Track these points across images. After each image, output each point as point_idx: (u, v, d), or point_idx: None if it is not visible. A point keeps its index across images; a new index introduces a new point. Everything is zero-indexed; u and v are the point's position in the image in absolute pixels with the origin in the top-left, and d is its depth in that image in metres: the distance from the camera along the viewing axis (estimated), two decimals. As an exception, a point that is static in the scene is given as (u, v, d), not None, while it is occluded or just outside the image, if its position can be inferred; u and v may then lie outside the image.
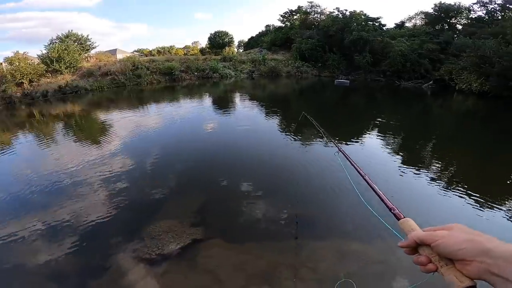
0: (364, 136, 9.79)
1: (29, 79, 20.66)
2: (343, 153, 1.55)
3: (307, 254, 4.02)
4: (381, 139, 9.33)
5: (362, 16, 28.64)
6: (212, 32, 42.26)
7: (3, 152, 9.99)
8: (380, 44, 25.46)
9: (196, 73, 27.02)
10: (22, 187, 6.58)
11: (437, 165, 7.28)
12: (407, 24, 31.24)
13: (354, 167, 1.19)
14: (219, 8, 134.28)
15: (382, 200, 0.82)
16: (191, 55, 41.88)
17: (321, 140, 8.85)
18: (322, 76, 27.84)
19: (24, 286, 3.77)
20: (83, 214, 5.19)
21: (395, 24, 32.06)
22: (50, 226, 4.85)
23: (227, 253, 4.12)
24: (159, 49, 50.03)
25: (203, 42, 52.27)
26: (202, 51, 46.60)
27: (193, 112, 14.41)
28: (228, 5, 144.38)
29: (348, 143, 8.75)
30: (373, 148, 8.54)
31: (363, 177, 1.04)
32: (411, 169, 6.76)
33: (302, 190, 5.91)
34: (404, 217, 0.68)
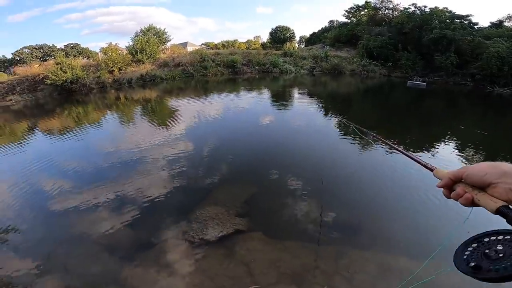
0: (436, 147, 8.54)
1: (119, 67, 24.24)
2: (376, 137, 1.66)
3: (345, 263, 3.77)
4: (460, 153, 7.97)
5: (446, 13, 24.76)
6: (274, 27, 42.36)
7: (93, 127, 12.07)
8: (470, 44, 21.78)
9: (257, 67, 27.64)
10: (100, 159, 7.74)
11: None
12: (507, 24, 25.79)
13: (387, 142, 1.28)
14: (279, 2, 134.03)
15: (415, 160, 0.89)
16: (252, 49, 42.85)
17: (376, 146, 8.17)
18: (392, 76, 25.12)
19: (80, 251, 4.27)
20: (144, 191, 5.75)
21: (491, 23, 26.76)
22: (114, 199, 5.51)
23: (265, 248, 4.12)
24: (224, 43, 52.74)
25: (265, 37, 52.95)
26: (263, 45, 47.19)
27: (251, 104, 14.77)
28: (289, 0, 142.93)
29: (419, 152, 7.78)
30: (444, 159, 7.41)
31: (393, 147, 1.11)
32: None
33: (351, 195, 5.61)
34: (436, 168, 0.74)
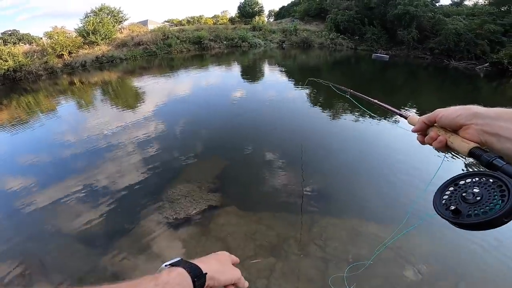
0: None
1: (69, 51, 21.78)
2: (353, 93, 1.62)
3: (319, 231, 3.85)
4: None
5: (411, -10, 25.16)
6: (242, 1, 40.37)
7: (47, 117, 10.81)
8: (431, 21, 22.78)
9: (225, 42, 26.44)
10: (63, 150, 7.02)
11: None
12: (467, 2, 27.22)
13: (363, 96, 1.24)
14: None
15: (391, 110, 0.91)
16: (220, 24, 40.84)
17: (351, 110, 8.34)
18: (358, 50, 25.67)
19: (56, 243, 4.01)
20: (113, 178, 5.41)
21: (452, 1, 28.04)
22: (83, 190, 5.11)
23: (239, 221, 4.13)
24: (189, 19, 49.54)
25: (233, 12, 50.46)
26: (231, 20, 45.19)
27: (220, 79, 14.22)
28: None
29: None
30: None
31: (370, 100, 1.12)
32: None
33: (324, 163, 5.69)
34: (410, 115, 0.74)
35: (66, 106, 12.00)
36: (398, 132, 6.86)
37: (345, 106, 8.90)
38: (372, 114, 7.71)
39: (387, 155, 5.92)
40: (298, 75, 15.02)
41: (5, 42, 29.62)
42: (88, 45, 23.25)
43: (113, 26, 25.57)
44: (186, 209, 4.32)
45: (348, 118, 8.11)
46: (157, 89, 12.89)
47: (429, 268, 3.24)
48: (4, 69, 17.80)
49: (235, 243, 3.67)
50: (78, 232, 4.13)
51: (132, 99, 11.85)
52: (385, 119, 7.77)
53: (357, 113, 8.25)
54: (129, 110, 10.14)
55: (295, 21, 31.97)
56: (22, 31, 44.36)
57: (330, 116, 8.41)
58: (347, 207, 4.36)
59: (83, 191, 5.06)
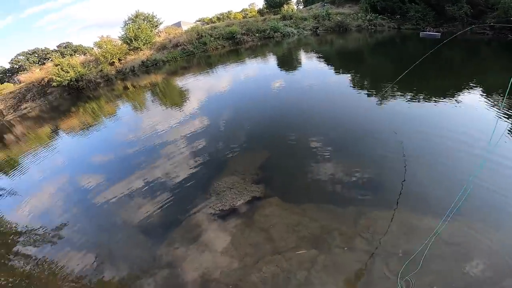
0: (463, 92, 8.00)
1: (118, 58, 23.87)
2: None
3: (366, 224, 3.64)
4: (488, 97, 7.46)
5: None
6: (267, -9, 39.47)
7: (110, 119, 12.23)
8: None
9: (257, 35, 26.40)
10: (124, 149, 8.01)
11: None
12: None
13: None
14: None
15: None
16: (249, 17, 40.72)
17: (396, 97, 7.81)
18: (402, 29, 23.13)
19: (122, 234, 4.62)
20: (167, 173, 5.98)
21: None
22: (142, 185, 5.77)
23: (283, 213, 4.13)
24: (218, 16, 50.30)
25: (260, 3, 49.84)
26: (260, 12, 44.68)
27: (258, 71, 14.41)
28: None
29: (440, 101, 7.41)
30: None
31: None
32: None
33: (367, 152, 5.37)
34: None
35: (124, 109, 13.44)
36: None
37: (391, 92, 8.41)
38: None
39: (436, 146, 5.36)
40: (336, 60, 14.49)
41: (63, 55, 33.47)
42: (133, 51, 25.16)
43: (151, 30, 27.14)
44: (231, 200, 4.56)
45: (395, 103, 7.63)
46: (199, 86, 13.65)
47: (489, 264, 2.94)
48: (68, 80, 20.30)
49: (277, 235, 3.75)
50: (138, 223, 4.70)
51: (178, 98, 12.77)
52: (441, 100, 7.23)
53: (404, 97, 7.78)
54: (176, 108, 11.02)
55: (326, 6, 30.35)
56: (74, 42, 49.14)
57: (376, 101, 7.99)
58: (399, 198, 4.04)
59: (141, 186, 5.74)
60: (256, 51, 21.27)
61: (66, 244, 4.71)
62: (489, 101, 6.93)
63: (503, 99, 6.67)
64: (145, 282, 3.61)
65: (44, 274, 4.11)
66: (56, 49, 43.45)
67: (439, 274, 2.92)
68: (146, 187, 5.69)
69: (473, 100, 7.17)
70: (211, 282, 3.36)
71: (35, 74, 23.53)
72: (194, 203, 4.79)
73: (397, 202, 3.97)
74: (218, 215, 4.40)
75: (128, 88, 17.98)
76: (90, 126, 11.76)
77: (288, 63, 15.54)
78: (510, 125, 5.57)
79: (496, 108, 6.39)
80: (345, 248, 3.36)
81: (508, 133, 5.28)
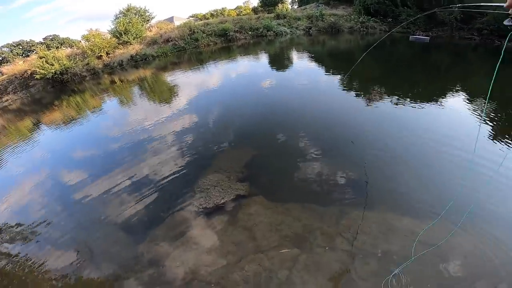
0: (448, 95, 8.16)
1: (106, 51, 23.23)
2: None
3: (348, 224, 3.68)
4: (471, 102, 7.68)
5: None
6: (263, -11, 39.37)
7: (95, 113, 11.83)
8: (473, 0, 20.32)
9: (250, 33, 26.29)
10: (108, 144, 7.77)
11: None
12: None
13: None
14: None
15: None
16: (243, 15, 40.53)
17: (384, 96, 7.94)
18: (393, 32, 23.94)
19: (102, 231, 4.45)
20: (151, 168, 5.82)
21: None
22: (125, 180, 5.61)
23: (266, 212, 4.12)
24: (212, 12, 49.85)
25: (255, 1, 49.72)
26: (254, 10, 44.55)
27: (249, 69, 14.30)
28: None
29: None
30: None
31: None
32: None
33: (354, 153, 5.38)
34: None
35: (110, 103, 13.04)
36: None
37: (379, 92, 8.53)
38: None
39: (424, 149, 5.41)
40: (328, 61, 14.57)
41: (48, 47, 32.38)
42: (122, 45, 24.55)
43: (142, 25, 26.59)
44: (215, 198, 4.49)
45: (382, 105, 7.71)
46: (188, 83, 13.41)
47: (467, 267, 3.01)
48: (52, 73, 19.59)
49: (260, 233, 3.74)
50: (119, 220, 4.56)
51: (166, 94, 12.49)
52: (424, 103, 7.35)
53: (391, 100, 7.88)
54: (164, 103, 10.79)
55: (321, 6, 30.58)
56: (62, 35, 47.66)
57: (364, 102, 8.04)
58: (383, 199, 4.07)
59: (124, 182, 5.56)
60: (248, 49, 21.14)
61: (46, 241, 4.49)
62: (473, 106, 7.09)
63: (484, 106, 6.83)
64: (127, 279, 3.48)
65: (23, 272, 3.92)
66: (42, 41, 42.08)
67: (421, 276, 2.95)
68: (129, 183, 5.50)
69: (458, 104, 7.31)
70: (193, 280, 3.29)
71: (18, 66, 22.57)
72: (177, 201, 4.68)
73: (379, 203, 4.00)
74: (202, 212, 4.31)
75: (115, 82, 17.49)
76: (74, 120, 11.34)
77: (279, 62, 15.51)
78: (491, 129, 5.71)
79: (477, 114, 6.52)
80: (327, 248, 3.39)
81: (490, 138, 5.40)
